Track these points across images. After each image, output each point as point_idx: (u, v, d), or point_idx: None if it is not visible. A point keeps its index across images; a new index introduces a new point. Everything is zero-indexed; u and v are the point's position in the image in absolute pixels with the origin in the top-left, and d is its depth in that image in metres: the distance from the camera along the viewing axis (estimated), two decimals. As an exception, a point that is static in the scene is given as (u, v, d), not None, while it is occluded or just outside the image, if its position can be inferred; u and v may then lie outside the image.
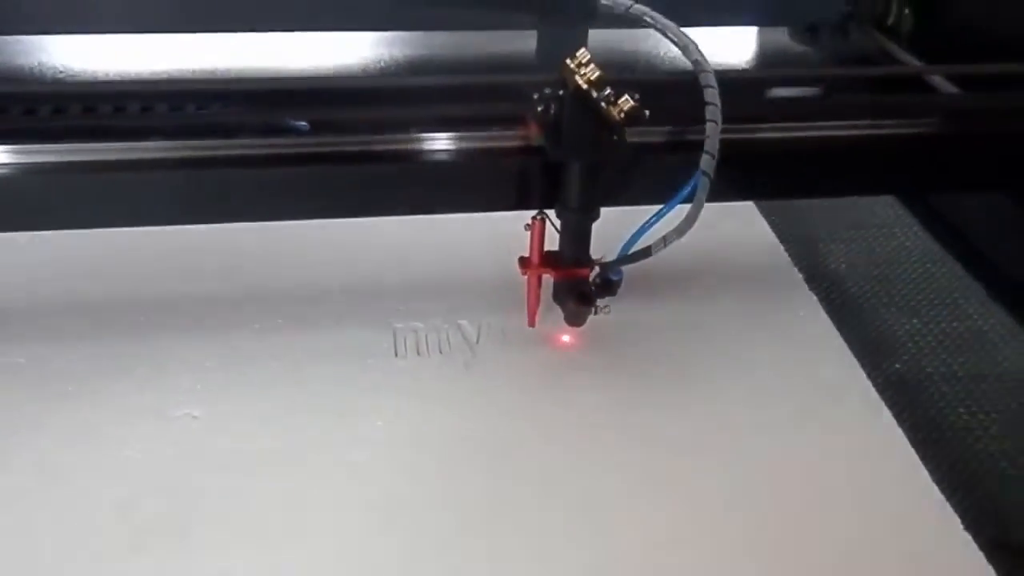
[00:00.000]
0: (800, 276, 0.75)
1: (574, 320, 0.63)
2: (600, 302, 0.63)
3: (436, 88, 0.65)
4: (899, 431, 0.60)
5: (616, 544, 0.53)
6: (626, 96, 0.57)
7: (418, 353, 0.65)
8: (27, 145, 0.62)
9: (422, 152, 0.64)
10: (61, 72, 0.86)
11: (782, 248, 0.78)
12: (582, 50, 0.58)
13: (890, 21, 0.91)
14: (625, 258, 0.60)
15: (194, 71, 0.84)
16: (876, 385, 0.64)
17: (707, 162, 0.57)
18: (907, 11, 0.90)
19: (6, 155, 0.62)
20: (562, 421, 0.60)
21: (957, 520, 0.54)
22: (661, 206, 0.58)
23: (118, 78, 0.84)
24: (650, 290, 0.70)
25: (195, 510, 0.53)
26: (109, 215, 0.66)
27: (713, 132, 0.57)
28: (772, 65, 0.95)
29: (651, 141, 0.63)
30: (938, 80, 0.78)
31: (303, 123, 0.64)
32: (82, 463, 0.56)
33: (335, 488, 0.55)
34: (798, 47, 0.98)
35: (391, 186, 0.64)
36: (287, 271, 0.73)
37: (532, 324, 0.66)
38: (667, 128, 0.63)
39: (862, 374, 0.65)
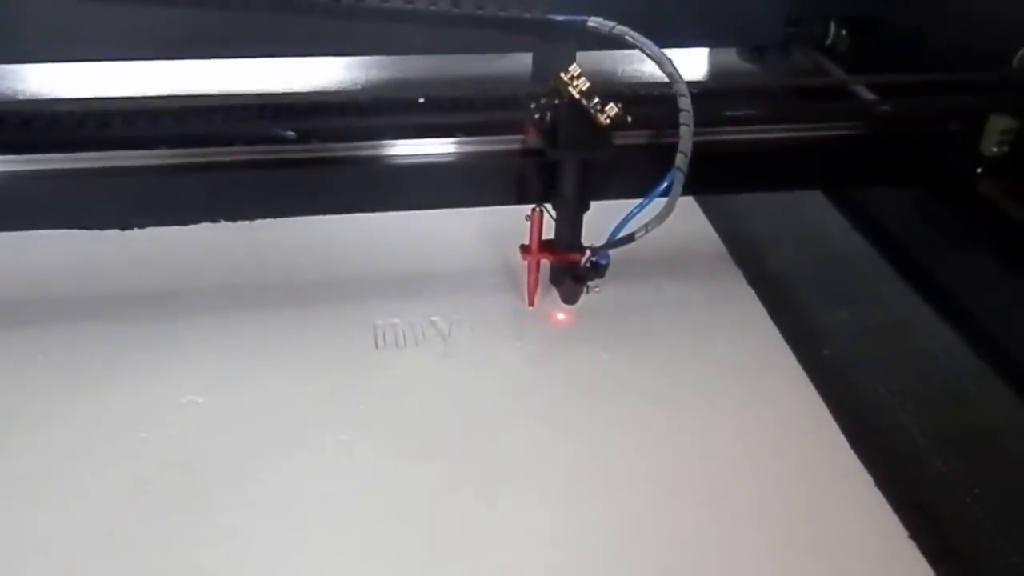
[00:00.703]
0: (738, 270, 0.82)
1: (570, 298, 0.72)
2: (591, 283, 0.71)
3: (450, 100, 0.74)
4: (822, 404, 0.68)
5: (583, 510, 0.59)
6: (611, 104, 0.66)
7: (396, 346, 0.72)
8: (51, 154, 0.69)
9: (437, 155, 0.72)
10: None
11: (721, 244, 0.86)
12: (573, 65, 0.67)
13: (828, 42, 1.02)
14: (612, 243, 0.68)
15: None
16: (806, 367, 0.71)
17: (681, 160, 0.65)
18: (843, 33, 1.01)
19: (34, 163, 0.69)
20: (522, 406, 0.67)
21: (871, 479, 0.62)
22: (642, 199, 0.67)
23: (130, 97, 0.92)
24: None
25: (199, 481, 0.60)
26: (116, 216, 0.73)
27: (686, 135, 0.66)
28: (721, 79, 1.06)
29: (633, 143, 0.71)
30: (862, 90, 0.88)
31: (291, 132, 0.72)
32: (101, 441, 0.62)
33: (321, 463, 0.61)
34: (745, 65, 1.09)
35: (409, 185, 0.73)
36: (280, 272, 0.79)
37: (532, 304, 0.74)
38: (646, 132, 0.72)
39: (792, 357, 0.72)
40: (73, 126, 0.71)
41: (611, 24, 0.70)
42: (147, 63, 0.92)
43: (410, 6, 0.70)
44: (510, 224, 0.72)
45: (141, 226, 0.76)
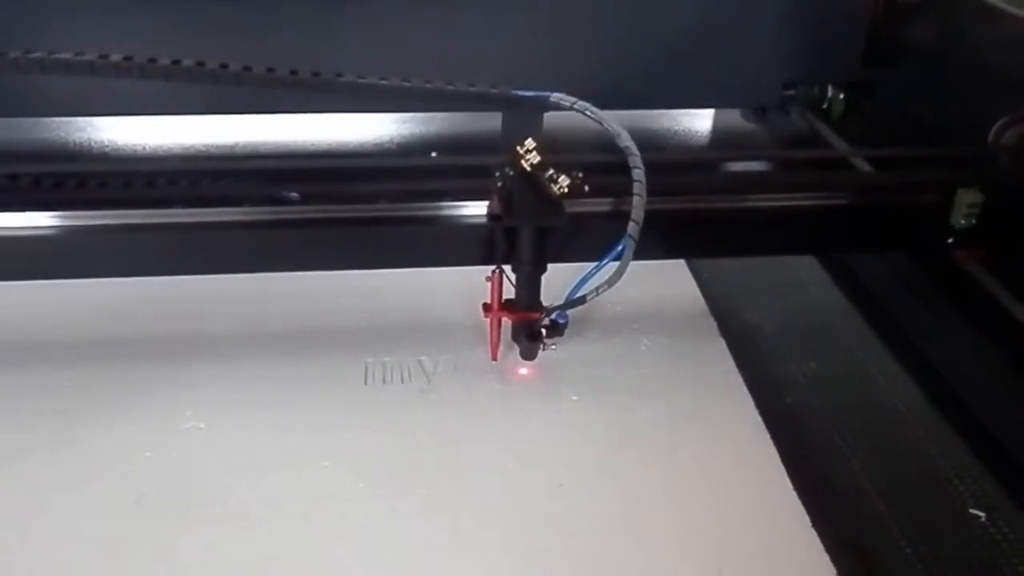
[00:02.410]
0: (714, 323, 0.85)
1: (527, 354, 0.76)
2: (548, 341, 0.75)
3: (424, 167, 0.80)
4: (772, 448, 0.70)
5: (550, 538, 0.63)
6: (564, 176, 0.70)
7: (383, 382, 0.77)
8: (71, 212, 0.78)
9: (409, 218, 0.79)
10: (107, 148, 1.05)
11: (703, 300, 0.88)
12: (528, 139, 0.71)
13: (824, 106, 1.06)
14: (566, 304, 0.72)
15: (209, 148, 1.02)
16: (765, 414, 0.73)
17: (633, 228, 0.69)
18: (840, 96, 1.04)
19: (55, 218, 0.78)
20: (500, 438, 0.71)
21: (807, 519, 0.64)
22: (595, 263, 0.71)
23: (148, 156, 1.03)
24: (589, 331, 0.82)
25: (198, 500, 0.65)
26: (139, 267, 0.82)
27: (639, 204, 0.69)
28: (726, 147, 1.11)
29: (593, 210, 0.76)
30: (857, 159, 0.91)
31: (295, 194, 0.78)
32: (110, 464, 0.69)
33: (304, 485, 0.67)
34: (748, 125, 1.12)
35: (386, 245, 0.80)
36: (279, 314, 0.85)
37: (495, 358, 0.78)
38: (607, 199, 0.76)
39: (751, 404, 0.75)
40: (95, 187, 0.79)
41: (572, 100, 0.74)
42: (154, 118, 1.02)
43: (383, 82, 0.75)
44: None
45: (154, 275, 0.85)
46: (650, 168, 0.71)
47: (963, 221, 0.80)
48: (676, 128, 1.13)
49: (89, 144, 1.07)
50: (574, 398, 0.75)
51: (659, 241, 0.80)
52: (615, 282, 0.70)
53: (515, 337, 0.77)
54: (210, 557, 0.62)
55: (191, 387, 0.76)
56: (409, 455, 0.70)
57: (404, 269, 0.86)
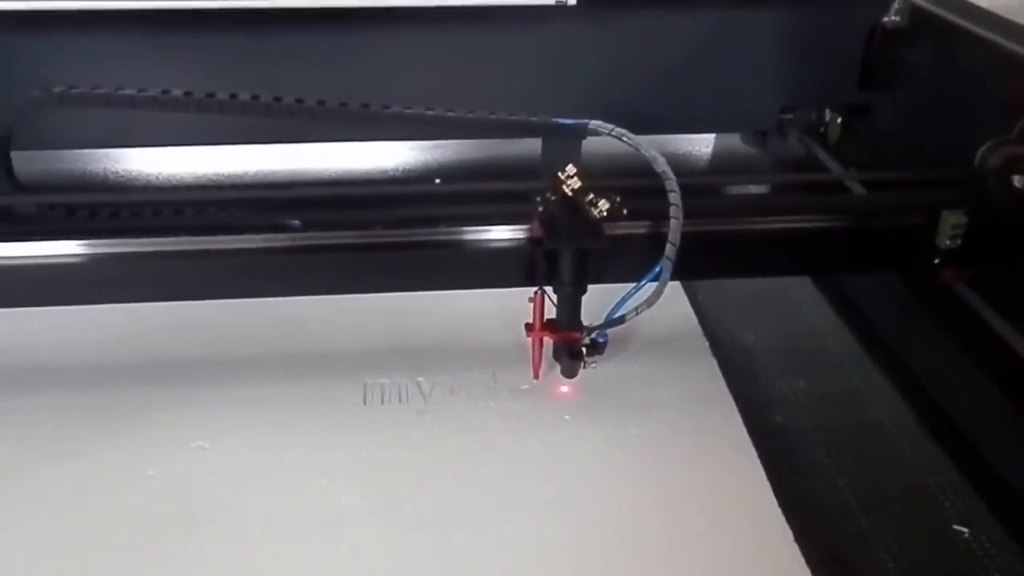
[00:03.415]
0: (706, 343, 0.88)
1: (568, 372, 0.80)
2: (589, 359, 0.79)
3: (468, 192, 0.84)
4: (759, 465, 0.73)
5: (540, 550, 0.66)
6: (604, 199, 0.74)
7: (382, 402, 0.81)
8: (75, 240, 0.79)
9: (453, 242, 0.82)
10: (121, 178, 1.09)
11: (695, 319, 0.91)
12: (570, 165, 0.76)
13: (821, 130, 1.11)
14: (606, 323, 0.76)
15: (221, 177, 1.06)
16: (753, 432, 0.76)
17: (670, 250, 0.73)
18: (838, 121, 1.09)
19: (58, 247, 0.79)
20: (488, 454, 0.75)
21: (790, 534, 0.66)
22: (635, 284, 0.74)
23: (153, 186, 1.08)
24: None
25: (203, 515, 0.69)
26: (145, 293, 0.83)
27: (675, 227, 0.73)
28: (725, 170, 1.17)
29: (631, 232, 0.79)
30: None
31: (297, 222, 0.81)
32: (114, 473, 0.72)
33: (307, 503, 0.70)
34: (747, 149, 1.18)
35: (431, 268, 0.83)
36: (282, 337, 0.88)
37: (536, 377, 0.82)
38: (644, 223, 0.79)
39: (739, 421, 0.77)
40: (106, 216, 0.81)
41: (610, 127, 0.79)
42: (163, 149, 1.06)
43: (424, 111, 0.79)
44: (489, 303, 0.86)
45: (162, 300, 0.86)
46: (645, 193, 0.75)
47: (948, 242, 0.82)
48: (678, 152, 1.18)
49: (104, 175, 1.10)
50: (567, 417, 0.79)
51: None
52: (654, 302, 0.73)
53: (557, 356, 0.81)
54: (211, 573, 0.65)
55: (195, 408, 0.79)
56: (405, 473, 0.73)
57: (405, 293, 0.90)
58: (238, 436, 0.76)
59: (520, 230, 0.81)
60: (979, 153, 0.84)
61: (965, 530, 0.73)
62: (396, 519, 0.69)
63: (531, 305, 0.78)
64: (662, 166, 0.76)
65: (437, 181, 1.07)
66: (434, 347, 0.87)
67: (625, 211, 0.75)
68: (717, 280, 1.00)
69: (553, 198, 0.76)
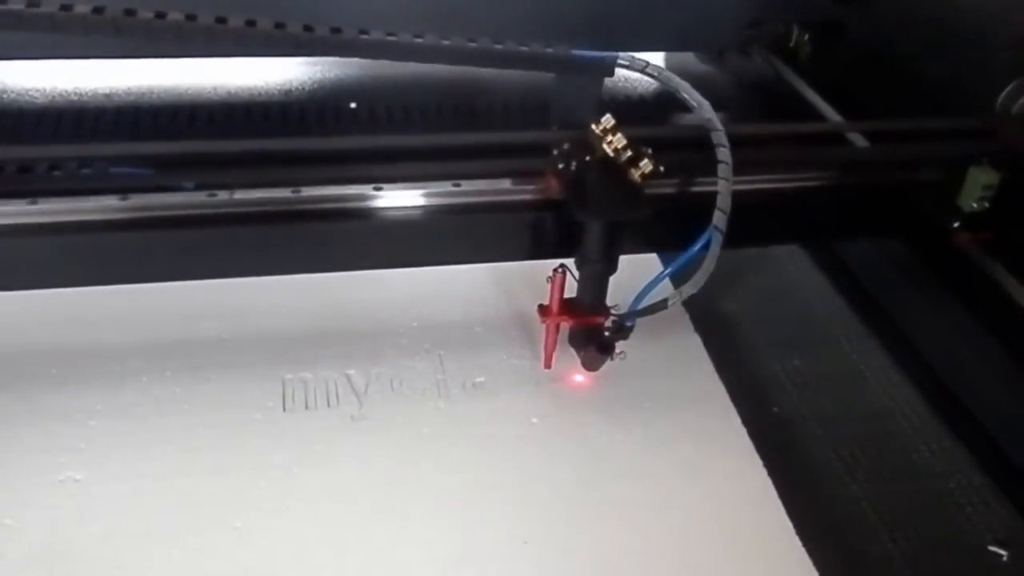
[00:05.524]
0: (687, 318, 0.75)
1: (591, 365, 0.67)
2: (615, 349, 0.65)
3: (460, 144, 0.66)
4: (764, 473, 0.63)
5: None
6: (645, 158, 0.61)
7: (305, 407, 0.66)
8: None
9: (444, 206, 0.64)
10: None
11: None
12: (607, 116, 0.61)
13: (790, 45, 0.99)
14: (643, 310, 0.63)
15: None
16: (751, 428, 0.66)
17: (719, 218, 0.60)
18: (806, 38, 0.98)
19: None
20: (437, 468, 0.62)
21: (810, 563, 0.57)
22: (670, 264, 0.63)
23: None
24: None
25: None
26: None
27: (725, 189, 0.61)
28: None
29: (663, 192, 0.65)
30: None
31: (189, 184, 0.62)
32: None
33: (211, 552, 0.55)
34: (703, 67, 1.05)
35: (414, 237, 0.65)
36: (177, 324, 0.71)
37: (548, 366, 0.69)
38: (676, 180, 0.66)
39: (737, 420, 0.67)
40: None
41: (643, 62, 0.65)
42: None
43: (423, 41, 0.61)
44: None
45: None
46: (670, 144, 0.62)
47: (975, 205, 0.71)
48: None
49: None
50: (535, 420, 0.66)
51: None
52: (701, 282, 0.61)
53: (573, 342, 0.67)
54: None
55: (65, 422, 0.62)
56: (342, 509, 0.59)
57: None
58: (121, 462, 0.59)
59: (527, 190, 0.65)
60: (1000, 98, 0.75)
61: (1004, 552, 0.63)
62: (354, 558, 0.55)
63: (548, 285, 0.64)
64: (708, 112, 0.64)
65: (353, 105, 0.86)
66: (367, 331, 0.71)
67: (662, 168, 0.61)
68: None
69: (588, 159, 0.61)
